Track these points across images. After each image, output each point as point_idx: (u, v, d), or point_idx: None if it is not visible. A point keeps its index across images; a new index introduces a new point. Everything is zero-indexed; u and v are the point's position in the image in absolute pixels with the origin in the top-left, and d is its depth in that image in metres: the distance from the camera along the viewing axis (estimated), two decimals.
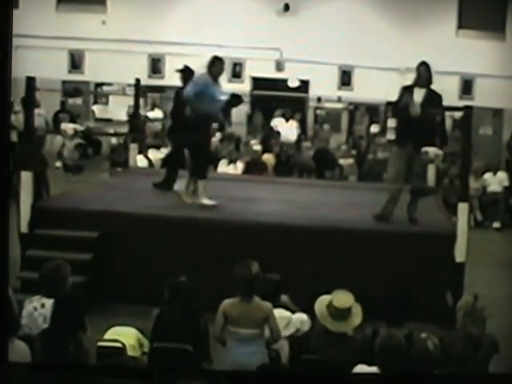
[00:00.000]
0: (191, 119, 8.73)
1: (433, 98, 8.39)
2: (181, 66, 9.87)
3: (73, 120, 17.34)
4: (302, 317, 6.00)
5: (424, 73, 8.40)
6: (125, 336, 5.59)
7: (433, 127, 8.48)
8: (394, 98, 15.35)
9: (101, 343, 5.36)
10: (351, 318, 5.56)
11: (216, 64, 8.78)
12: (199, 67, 9.07)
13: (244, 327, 5.44)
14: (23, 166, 8.30)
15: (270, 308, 5.54)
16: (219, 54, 9.15)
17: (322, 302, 5.65)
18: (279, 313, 5.85)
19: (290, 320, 5.91)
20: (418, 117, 8.31)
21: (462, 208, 8.17)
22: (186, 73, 9.73)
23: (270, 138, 15.50)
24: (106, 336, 5.56)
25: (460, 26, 17.27)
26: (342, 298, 5.58)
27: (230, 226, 8.32)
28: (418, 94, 8.39)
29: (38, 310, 5.53)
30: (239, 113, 17.49)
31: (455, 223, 8.24)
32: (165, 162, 10.58)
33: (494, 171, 13.90)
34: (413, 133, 8.41)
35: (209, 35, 16.76)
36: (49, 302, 5.41)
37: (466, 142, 8.54)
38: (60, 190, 10.29)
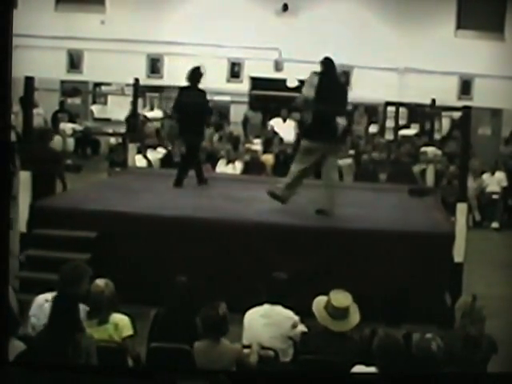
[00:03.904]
0: None
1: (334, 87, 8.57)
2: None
3: (71, 120, 17.35)
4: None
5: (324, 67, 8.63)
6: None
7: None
8: (393, 98, 15.39)
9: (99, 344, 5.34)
10: (350, 317, 5.57)
11: None
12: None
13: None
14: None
15: (238, 351, 5.34)
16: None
17: (318, 303, 5.65)
18: (285, 313, 5.86)
19: (295, 322, 5.89)
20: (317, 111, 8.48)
21: (461, 208, 8.16)
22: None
23: (269, 138, 15.51)
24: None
25: (459, 27, 17.24)
26: (341, 298, 5.59)
27: (229, 225, 8.32)
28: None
29: (49, 301, 5.47)
30: (238, 112, 17.52)
31: (454, 223, 8.25)
32: (181, 161, 11.14)
33: (492, 171, 13.92)
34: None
35: (208, 35, 16.73)
36: None
37: (465, 143, 8.54)
38: (58, 189, 10.25)
